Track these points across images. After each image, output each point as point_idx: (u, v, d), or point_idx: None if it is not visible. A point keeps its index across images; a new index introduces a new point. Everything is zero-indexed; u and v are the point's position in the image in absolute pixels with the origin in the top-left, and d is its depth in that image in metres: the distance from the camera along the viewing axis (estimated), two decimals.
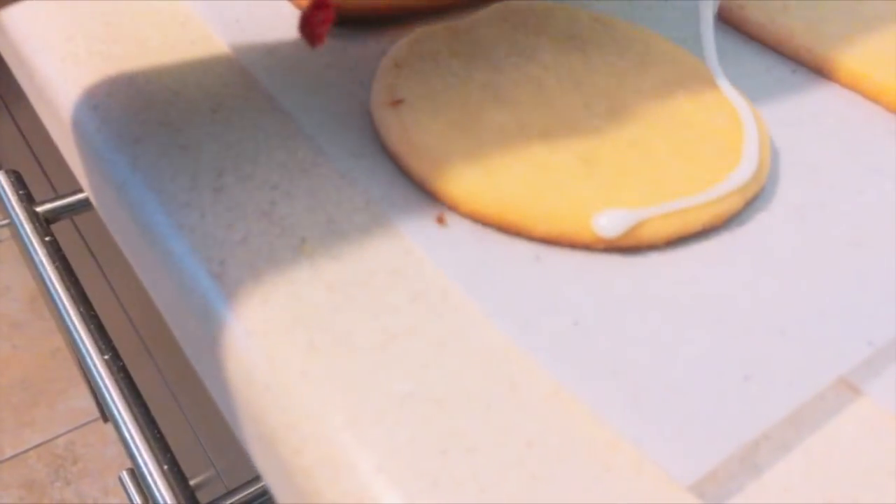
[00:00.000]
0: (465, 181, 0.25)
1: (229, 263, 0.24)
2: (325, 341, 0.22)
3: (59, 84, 0.32)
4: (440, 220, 0.26)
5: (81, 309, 0.48)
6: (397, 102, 0.28)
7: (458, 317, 0.23)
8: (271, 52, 0.32)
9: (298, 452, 0.21)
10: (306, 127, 0.29)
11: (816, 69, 0.32)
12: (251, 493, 0.46)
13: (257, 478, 0.47)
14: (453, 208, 0.26)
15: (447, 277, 0.24)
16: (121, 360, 0.47)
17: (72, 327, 0.47)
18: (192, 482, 0.48)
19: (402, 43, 0.30)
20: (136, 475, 0.58)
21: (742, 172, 0.26)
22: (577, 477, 0.20)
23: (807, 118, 0.30)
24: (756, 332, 0.22)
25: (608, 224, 0.24)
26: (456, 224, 0.26)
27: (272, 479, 0.23)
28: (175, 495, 0.41)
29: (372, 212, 0.26)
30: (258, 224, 0.25)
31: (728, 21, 0.35)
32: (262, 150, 0.28)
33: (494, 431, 0.21)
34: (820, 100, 0.31)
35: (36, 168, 0.79)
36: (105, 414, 1.32)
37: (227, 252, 0.24)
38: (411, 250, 0.25)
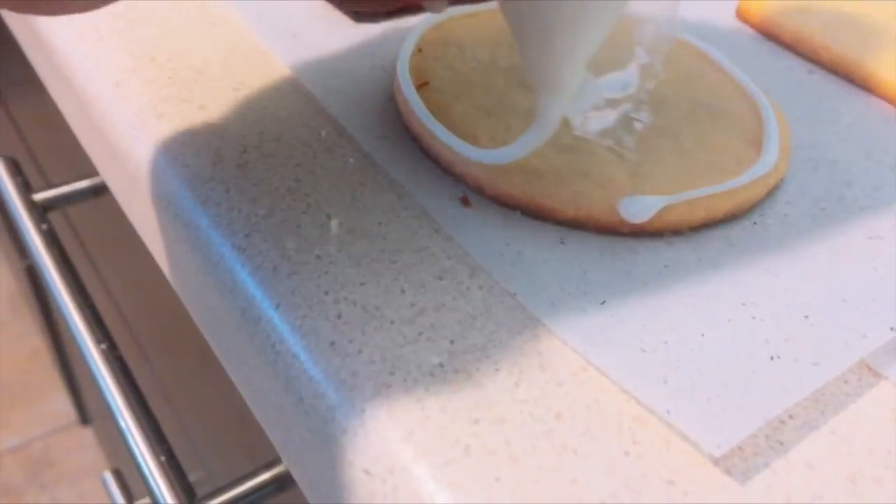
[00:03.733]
0: (492, 163, 0.25)
1: (255, 237, 0.24)
2: (355, 313, 0.22)
3: (78, 62, 0.31)
4: (465, 202, 0.26)
5: (78, 298, 0.48)
6: (422, 85, 0.28)
7: (485, 294, 0.23)
8: (294, 35, 0.32)
9: (327, 421, 0.21)
10: (329, 108, 0.29)
11: (834, 70, 0.33)
12: (248, 488, 0.45)
13: (252, 473, 0.46)
14: (478, 190, 0.26)
15: (474, 257, 0.24)
16: (117, 349, 0.46)
17: (67, 316, 0.47)
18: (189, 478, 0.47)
19: (425, 29, 0.30)
20: (121, 474, 0.57)
21: (764, 163, 0.26)
22: (605, 449, 0.20)
23: (824, 117, 0.31)
24: (780, 316, 0.23)
25: (635, 209, 0.24)
26: (481, 206, 0.26)
27: (292, 454, 0.23)
28: (172, 487, 0.40)
29: (396, 192, 0.26)
30: (283, 199, 0.25)
31: (746, 20, 0.35)
32: (284, 128, 0.28)
33: (524, 403, 0.21)
34: (837, 100, 0.32)
35: (28, 158, 0.79)
36: (84, 417, 1.30)
37: (253, 226, 0.24)
38: (437, 230, 0.25)
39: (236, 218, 0.25)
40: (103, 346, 0.46)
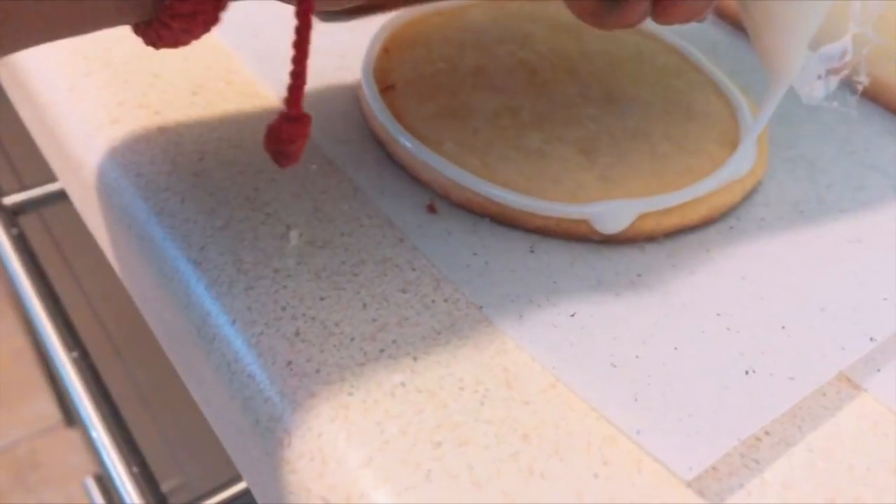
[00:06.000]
0: (458, 169, 0.24)
1: (210, 250, 0.23)
2: (313, 330, 0.21)
3: (32, 65, 0.30)
4: (431, 209, 0.25)
5: (49, 304, 0.46)
6: (387, 88, 0.27)
7: (450, 307, 0.22)
8: (256, 35, 0.31)
9: (283, 445, 0.20)
10: None
11: None
12: (224, 498, 0.44)
13: (230, 481, 0.45)
14: (445, 197, 0.25)
15: (439, 268, 0.23)
16: (89, 358, 0.45)
17: (38, 322, 0.46)
18: (164, 486, 0.46)
19: (392, 28, 0.29)
20: (104, 480, 0.56)
21: (740, 163, 0.25)
22: (574, 472, 0.19)
23: (803, 115, 0.30)
24: (757, 327, 0.22)
25: (607, 218, 0.23)
26: (448, 213, 0.25)
27: (252, 476, 0.22)
28: (145, 499, 0.39)
29: (360, 199, 0.25)
30: (241, 210, 0.24)
31: (723, 15, 0.35)
32: (245, 133, 0.27)
33: (489, 424, 0.20)
34: None
35: (2, 160, 0.77)
36: (70, 418, 1.29)
37: (209, 238, 0.23)
38: (402, 239, 0.24)
39: (192, 230, 0.24)
40: (74, 354, 0.45)
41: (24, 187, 0.54)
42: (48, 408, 1.28)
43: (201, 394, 0.24)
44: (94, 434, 0.42)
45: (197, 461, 0.56)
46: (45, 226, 0.70)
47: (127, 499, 0.39)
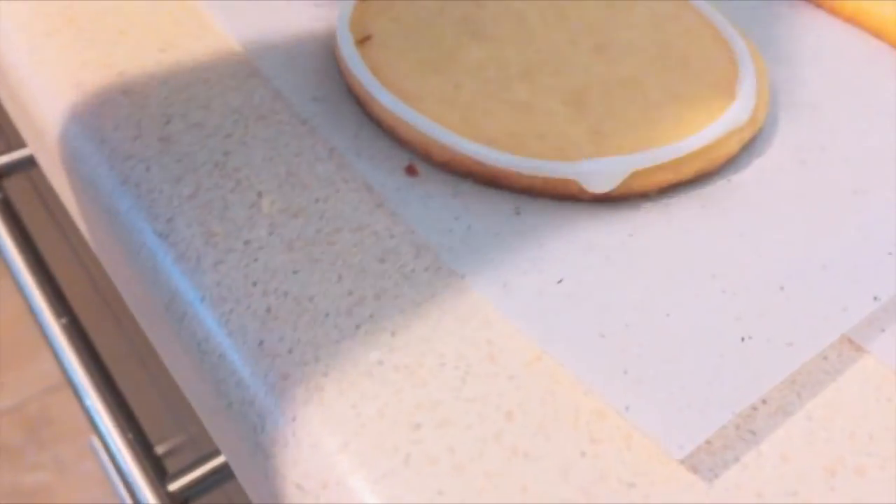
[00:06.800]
0: (439, 126, 0.23)
1: (178, 221, 0.22)
2: (286, 306, 0.20)
3: None
4: (411, 171, 0.23)
5: (37, 271, 0.46)
6: (364, 39, 0.25)
7: (431, 276, 0.21)
8: None
9: (256, 429, 0.19)
10: (264, 68, 0.26)
11: (818, 3, 0.30)
12: (222, 462, 0.44)
13: None
14: (425, 157, 0.24)
15: (420, 234, 0.22)
16: (80, 324, 0.45)
17: (27, 291, 0.45)
18: (163, 447, 0.46)
19: None
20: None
21: (738, 112, 0.24)
22: (560, 450, 0.18)
23: (806, 55, 0.28)
24: (754, 289, 0.21)
25: (596, 176, 0.22)
26: (429, 174, 0.23)
27: (231, 456, 0.22)
28: (140, 463, 0.39)
29: (336, 162, 0.24)
30: (210, 177, 0.23)
31: None
32: (214, 94, 0.25)
33: (471, 402, 0.19)
34: (820, 36, 0.29)
35: None
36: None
37: (176, 209, 0.22)
38: (380, 204, 0.23)
39: (157, 200, 0.22)
40: (64, 320, 0.45)
41: (9, 148, 0.52)
42: (56, 365, 1.29)
43: (176, 371, 0.23)
44: (87, 402, 0.41)
45: (196, 422, 0.56)
46: (35, 187, 0.69)
47: (124, 466, 0.39)
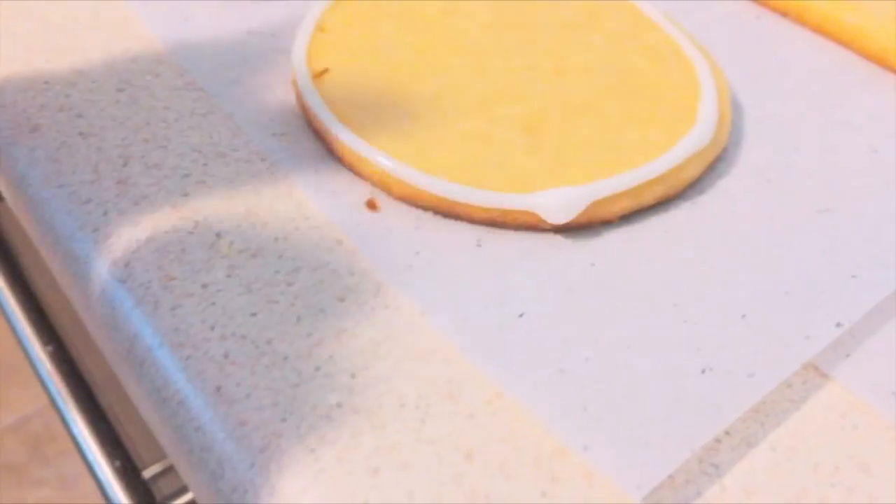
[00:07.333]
0: (397, 161, 0.23)
1: (135, 266, 0.22)
2: (244, 351, 0.20)
3: None
4: (371, 205, 0.23)
5: (21, 297, 0.46)
6: (322, 73, 0.25)
7: (391, 315, 0.21)
8: (186, 18, 0.29)
9: (216, 476, 0.19)
10: (223, 104, 0.26)
11: (784, 13, 0.30)
12: None
13: None
14: (385, 191, 0.23)
15: (380, 271, 0.22)
16: (66, 350, 0.45)
17: (12, 317, 0.45)
18: (154, 469, 0.46)
19: (328, 5, 0.27)
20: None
21: (700, 136, 0.23)
22: (520, 492, 0.18)
23: (773, 68, 0.28)
24: (715, 317, 0.21)
25: (555, 206, 0.22)
26: (389, 208, 0.23)
27: (198, 498, 0.21)
28: (128, 492, 0.39)
29: (296, 199, 0.24)
30: (167, 219, 0.23)
31: None
32: (173, 133, 0.25)
33: (431, 444, 0.19)
34: (787, 48, 0.29)
35: None
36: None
37: (133, 254, 0.22)
38: (340, 241, 0.23)
39: (115, 245, 0.22)
40: (50, 348, 0.45)
41: None
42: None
43: (143, 413, 0.23)
44: (75, 430, 0.41)
45: None
46: None
47: (112, 495, 0.39)
